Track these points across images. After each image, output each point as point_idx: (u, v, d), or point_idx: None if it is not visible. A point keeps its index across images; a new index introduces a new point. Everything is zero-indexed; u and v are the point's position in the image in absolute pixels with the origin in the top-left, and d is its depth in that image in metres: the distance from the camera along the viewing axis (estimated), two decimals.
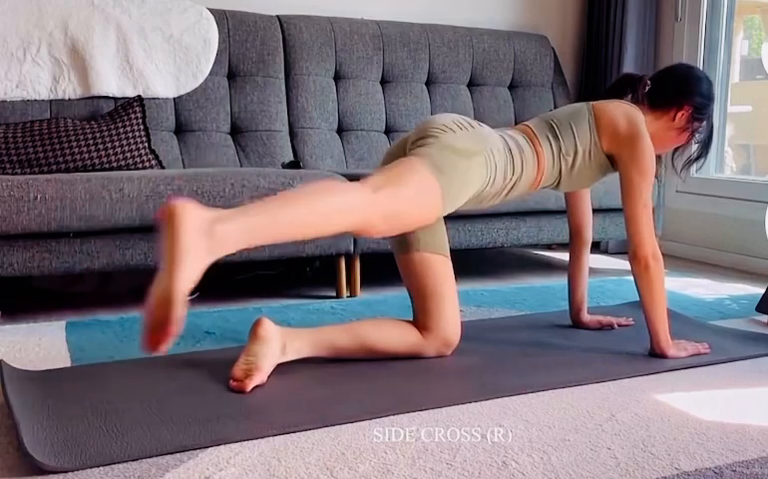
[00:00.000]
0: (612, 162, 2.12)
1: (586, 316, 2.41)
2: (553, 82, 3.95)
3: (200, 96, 3.18)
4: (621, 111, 2.11)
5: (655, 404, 1.77)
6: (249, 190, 2.54)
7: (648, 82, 2.21)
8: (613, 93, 2.25)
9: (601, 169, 2.14)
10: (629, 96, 2.22)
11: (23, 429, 1.48)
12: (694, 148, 2.28)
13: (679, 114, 2.19)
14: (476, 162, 1.89)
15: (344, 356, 1.97)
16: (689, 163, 2.26)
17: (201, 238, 1.44)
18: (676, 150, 2.29)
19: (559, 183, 2.13)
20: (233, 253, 1.52)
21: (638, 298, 2.11)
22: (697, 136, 2.24)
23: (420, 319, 2.03)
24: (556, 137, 2.07)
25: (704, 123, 2.22)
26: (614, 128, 2.08)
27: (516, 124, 3.66)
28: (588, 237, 2.39)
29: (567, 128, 2.08)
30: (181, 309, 1.39)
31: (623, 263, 3.62)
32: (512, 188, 2.02)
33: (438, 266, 2.01)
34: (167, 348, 1.42)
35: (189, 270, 1.42)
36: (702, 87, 2.20)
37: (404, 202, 1.78)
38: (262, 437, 1.53)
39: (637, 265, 2.07)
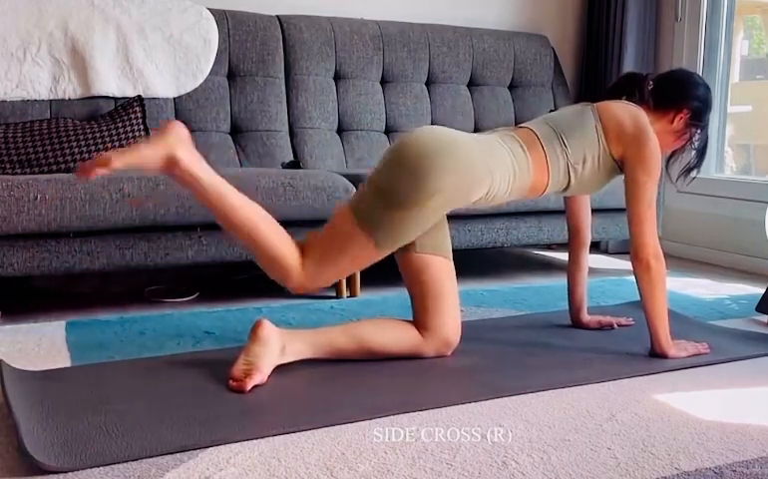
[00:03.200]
0: (620, 165, 2.11)
1: (586, 316, 2.41)
2: (553, 82, 3.95)
3: (200, 96, 3.18)
4: (626, 111, 2.11)
5: (655, 404, 1.77)
6: (249, 190, 2.53)
7: (651, 82, 2.21)
8: (617, 92, 2.25)
9: (610, 173, 2.13)
10: (633, 96, 2.22)
11: (23, 429, 1.48)
12: (690, 156, 2.27)
13: (677, 117, 2.19)
14: (427, 208, 1.87)
15: (344, 357, 1.97)
16: (685, 172, 2.26)
17: (164, 159, 1.78)
18: (671, 156, 2.28)
19: (567, 189, 2.13)
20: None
21: (639, 298, 2.11)
22: (695, 142, 2.25)
23: (420, 319, 2.03)
24: (563, 146, 2.05)
25: (701, 130, 2.23)
26: (620, 128, 2.08)
27: (516, 124, 3.69)
28: (587, 237, 2.39)
29: (573, 136, 2.07)
30: (103, 171, 1.72)
31: (623, 263, 3.62)
32: (506, 192, 2.01)
33: (437, 267, 2.01)
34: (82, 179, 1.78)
35: (133, 158, 1.74)
36: (700, 92, 2.20)
37: (323, 266, 1.92)
38: (262, 437, 1.53)
39: (639, 265, 2.07)
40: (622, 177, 2.13)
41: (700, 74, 3.85)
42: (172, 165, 1.77)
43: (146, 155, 1.75)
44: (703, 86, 2.22)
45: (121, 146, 2.78)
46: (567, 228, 2.40)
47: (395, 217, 1.87)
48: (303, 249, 1.91)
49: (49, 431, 1.51)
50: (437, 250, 2.01)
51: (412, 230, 1.91)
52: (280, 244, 1.88)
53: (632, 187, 2.07)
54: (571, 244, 2.40)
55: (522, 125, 2.16)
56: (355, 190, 2.74)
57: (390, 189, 1.87)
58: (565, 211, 2.40)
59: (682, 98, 2.18)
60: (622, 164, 2.10)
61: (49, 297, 2.77)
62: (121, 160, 1.72)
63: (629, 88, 2.24)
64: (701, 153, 2.25)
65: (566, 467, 1.44)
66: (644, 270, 2.06)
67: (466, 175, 1.90)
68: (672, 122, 2.19)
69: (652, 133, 2.08)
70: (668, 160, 2.29)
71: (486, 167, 1.93)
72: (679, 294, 2.98)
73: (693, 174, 2.25)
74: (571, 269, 2.40)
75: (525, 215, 3.09)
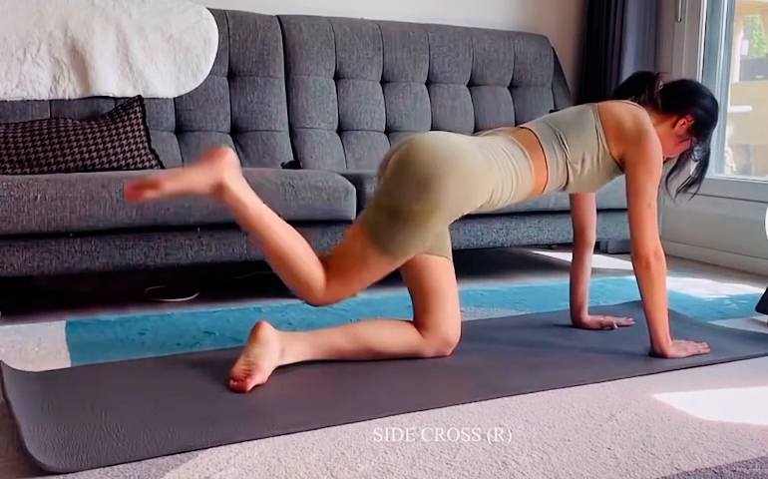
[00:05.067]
0: (621, 165, 2.11)
1: (587, 317, 2.41)
2: (553, 82, 3.95)
3: (200, 96, 3.18)
4: (627, 111, 2.11)
5: (655, 404, 1.77)
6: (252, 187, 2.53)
7: (662, 83, 2.21)
8: (626, 90, 2.25)
9: (610, 173, 2.13)
10: (641, 95, 2.22)
11: (23, 429, 1.48)
12: (690, 171, 2.27)
13: (680, 122, 2.18)
14: (432, 220, 1.89)
15: (344, 357, 1.97)
16: (684, 187, 2.26)
17: (212, 185, 1.82)
18: (671, 172, 2.27)
19: (566, 187, 2.13)
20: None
21: (638, 298, 2.11)
22: (695, 154, 2.25)
23: (420, 319, 2.03)
24: (562, 145, 2.06)
25: (703, 142, 2.23)
26: (620, 127, 2.08)
27: (516, 124, 3.69)
28: (592, 237, 2.39)
29: (573, 136, 2.07)
30: (155, 196, 1.77)
31: (623, 263, 3.62)
32: (509, 197, 2.02)
33: (438, 267, 2.01)
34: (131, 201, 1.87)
35: (183, 185, 1.78)
36: (707, 103, 2.20)
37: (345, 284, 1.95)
38: (262, 437, 1.53)
39: (639, 264, 2.07)
40: (623, 176, 2.13)
41: (700, 74, 3.87)
42: (220, 191, 1.81)
43: (196, 180, 1.78)
44: (711, 99, 2.22)
45: (121, 146, 2.78)
46: (572, 226, 2.40)
47: (405, 231, 1.88)
48: (325, 266, 1.93)
49: (49, 431, 1.51)
50: (437, 251, 2.01)
51: (423, 239, 1.92)
52: (308, 267, 1.91)
53: (633, 186, 2.07)
54: (575, 244, 2.40)
55: (522, 126, 2.16)
56: (355, 190, 2.75)
57: (398, 205, 1.88)
58: (570, 210, 2.40)
59: (688, 104, 2.18)
60: (623, 163, 2.10)
61: (49, 297, 2.77)
62: (171, 184, 1.75)
63: (640, 86, 2.23)
64: (702, 167, 2.25)
65: (566, 467, 1.44)
66: (644, 269, 2.06)
67: (470, 185, 1.91)
68: (675, 126, 2.19)
69: (654, 133, 2.08)
70: (668, 176, 2.28)
71: (490, 174, 1.94)
72: (679, 294, 2.98)
73: (693, 189, 2.25)
74: (573, 269, 2.40)
75: (525, 215, 3.09)
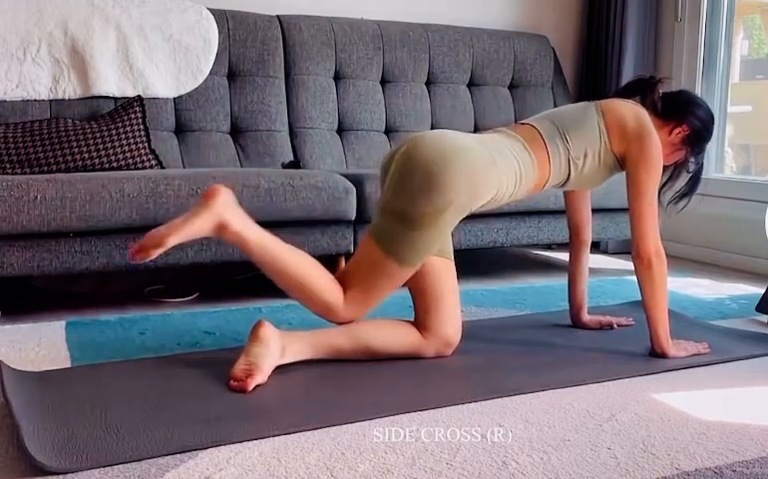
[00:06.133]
0: (621, 162, 2.11)
1: (587, 316, 2.41)
2: (553, 82, 3.95)
3: (200, 96, 3.18)
4: (629, 109, 2.11)
5: (655, 404, 1.77)
6: (249, 190, 2.54)
7: (661, 90, 2.21)
8: (628, 92, 2.25)
9: (610, 170, 2.14)
10: (638, 98, 2.22)
11: (23, 429, 1.48)
12: (682, 183, 2.26)
13: (677, 130, 2.18)
14: (446, 217, 1.90)
15: (344, 357, 1.97)
16: (676, 198, 2.26)
17: (214, 228, 1.86)
18: (665, 184, 2.27)
19: (566, 184, 2.13)
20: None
21: (638, 298, 2.11)
22: (689, 166, 2.25)
23: (421, 319, 2.03)
24: (564, 140, 2.06)
25: (696, 156, 2.23)
26: (623, 126, 2.08)
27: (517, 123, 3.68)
28: (588, 236, 2.39)
29: (575, 131, 2.08)
30: (159, 252, 1.80)
31: (623, 263, 3.62)
32: (512, 194, 2.02)
33: (440, 268, 2.01)
34: (137, 261, 1.82)
35: (186, 236, 1.81)
36: (704, 114, 2.20)
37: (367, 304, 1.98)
38: (262, 437, 1.53)
39: (640, 263, 2.07)
40: (624, 175, 2.13)
41: (700, 74, 3.87)
42: (222, 229, 1.85)
43: (197, 227, 1.82)
44: (708, 112, 2.22)
45: (121, 146, 2.78)
46: (568, 227, 2.40)
47: (415, 236, 1.89)
48: (342, 284, 1.95)
49: (49, 431, 1.51)
50: (440, 253, 2.01)
51: (441, 238, 1.94)
52: (323, 289, 1.94)
53: (634, 184, 2.07)
54: (571, 244, 2.40)
55: (524, 121, 2.16)
56: (355, 190, 2.75)
57: (409, 211, 1.89)
58: (565, 210, 2.40)
59: (686, 113, 2.18)
60: (623, 161, 2.10)
61: (49, 297, 2.77)
62: (175, 237, 1.79)
63: (640, 90, 2.23)
64: (694, 181, 2.25)
65: (566, 467, 1.44)
66: (645, 268, 2.06)
67: (477, 179, 1.91)
68: (671, 133, 2.19)
69: (654, 132, 2.08)
70: (661, 187, 2.26)
71: (494, 169, 1.94)
72: (679, 294, 2.98)
73: (684, 202, 2.25)
74: (571, 269, 2.40)
75: (525, 215, 3.09)
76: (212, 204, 1.84)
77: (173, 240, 1.79)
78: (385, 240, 1.92)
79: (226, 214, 1.85)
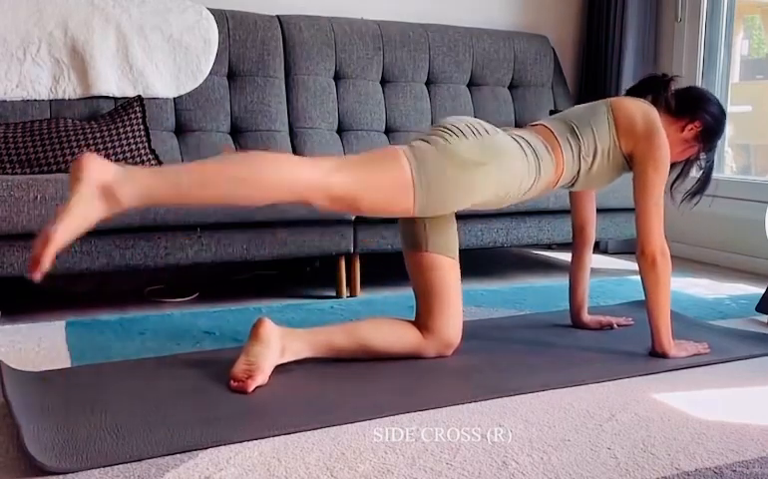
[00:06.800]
0: (629, 162, 2.11)
1: (587, 316, 2.41)
2: (553, 82, 3.95)
3: (200, 96, 3.18)
4: (638, 107, 2.11)
5: (655, 404, 1.77)
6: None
7: (673, 87, 2.21)
8: (640, 90, 2.25)
9: (618, 169, 2.14)
10: (650, 96, 2.22)
11: (23, 429, 1.48)
12: (694, 180, 2.27)
13: (689, 127, 2.18)
14: (480, 172, 1.88)
15: (344, 357, 1.97)
16: (689, 195, 2.26)
17: (98, 198, 1.54)
18: (675, 180, 2.27)
19: (575, 183, 2.13)
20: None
21: (638, 298, 2.11)
22: (701, 162, 2.25)
23: (422, 319, 2.03)
24: (576, 137, 2.07)
25: (708, 152, 2.23)
26: (631, 124, 2.08)
27: (516, 124, 3.69)
28: (591, 235, 2.39)
29: (586, 127, 2.08)
30: (52, 250, 1.52)
31: (623, 263, 3.62)
32: (528, 191, 2.02)
33: (445, 268, 2.01)
34: (38, 275, 1.54)
35: (73, 222, 1.54)
36: (716, 111, 2.20)
37: (358, 189, 1.77)
38: (262, 437, 1.53)
39: (645, 262, 2.07)
40: (626, 176, 2.13)
41: (700, 74, 3.86)
42: (109, 196, 1.54)
43: (80, 210, 1.53)
44: (720, 107, 2.22)
45: (121, 146, 2.78)
46: (571, 225, 2.40)
47: (444, 166, 1.84)
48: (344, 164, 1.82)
49: (49, 432, 1.51)
50: (447, 252, 2.01)
51: (448, 191, 1.87)
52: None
53: (641, 183, 2.07)
54: (574, 242, 2.40)
55: (535, 122, 2.15)
56: None
57: (451, 146, 1.87)
58: (570, 209, 2.40)
59: (699, 109, 2.18)
60: (631, 160, 2.10)
61: (49, 297, 2.77)
62: (62, 233, 1.52)
63: (653, 88, 2.23)
64: (706, 178, 2.25)
65: (566, 467, 1.44)
66: (650, 267, 2.06)
67: (513, 169, 1.93)
68: (683, 130, 2.18)
69: (663, 131, 2.08)
70: (673, 182, 2.27)
71: (525, 163, 1.96)
72: (679, 294, 2.98)
73: (697, 199, 2.25)
74: (573, 268, 2.40)
75: (525, 215, 3.09)
76: (79, 178, 1.53)
77: (61, 236, 1.51)
78: (414, 150, 1.86)
79: (102, 178, 1.53)
